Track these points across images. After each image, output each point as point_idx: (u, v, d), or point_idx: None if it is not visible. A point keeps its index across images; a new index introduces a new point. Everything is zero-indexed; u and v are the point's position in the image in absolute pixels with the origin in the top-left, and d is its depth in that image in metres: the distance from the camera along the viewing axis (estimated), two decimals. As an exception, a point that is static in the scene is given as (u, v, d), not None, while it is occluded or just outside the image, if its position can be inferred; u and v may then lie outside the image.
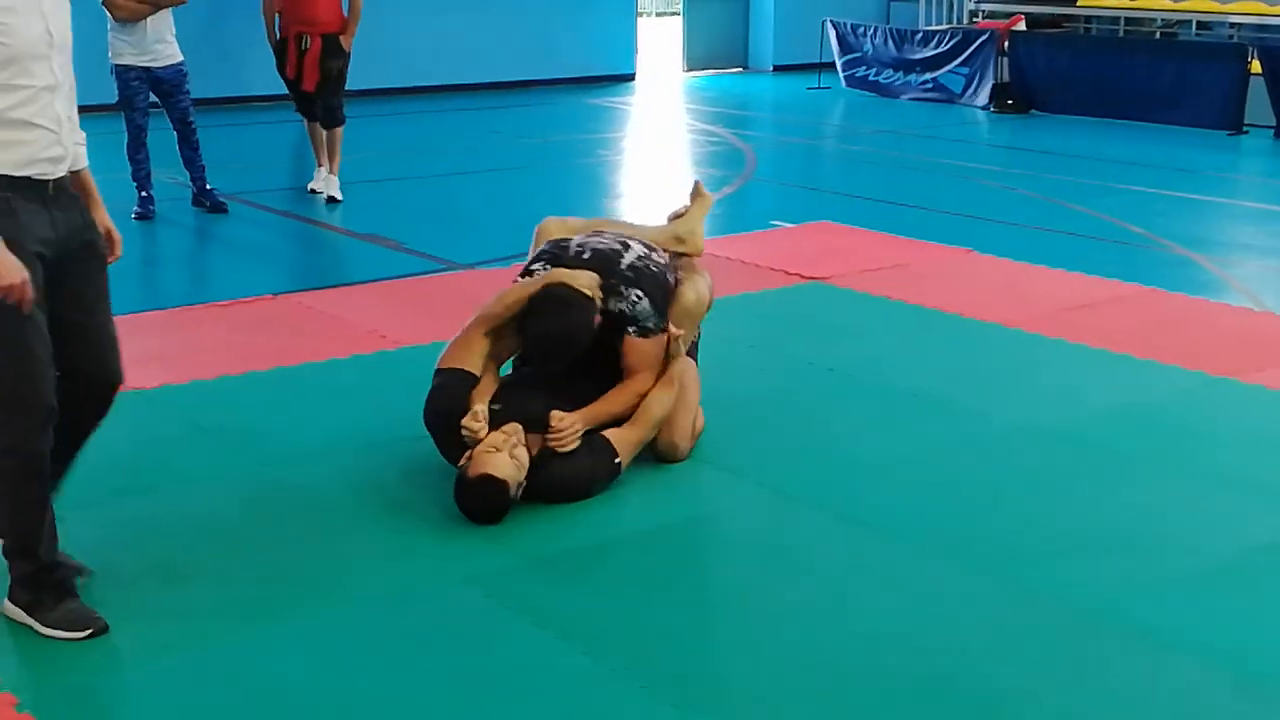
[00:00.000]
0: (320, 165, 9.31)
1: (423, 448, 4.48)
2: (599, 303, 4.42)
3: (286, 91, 9.40)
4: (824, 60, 16.17)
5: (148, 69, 8.47)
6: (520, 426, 4.23)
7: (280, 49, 8.98)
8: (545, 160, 11.23)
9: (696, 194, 5.25)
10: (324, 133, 9.22)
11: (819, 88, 15.96)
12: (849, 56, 15.92)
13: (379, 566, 3.90)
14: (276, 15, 9.04)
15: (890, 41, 15.48)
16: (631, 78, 16.77)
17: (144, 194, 8.58)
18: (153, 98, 8.57)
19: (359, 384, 5.43)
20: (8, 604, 3.52)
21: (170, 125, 8.66)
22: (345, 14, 9.01)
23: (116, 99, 8.54)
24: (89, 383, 3.56)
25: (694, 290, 4.79)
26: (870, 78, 15.65)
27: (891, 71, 15.47)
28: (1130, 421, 5.05)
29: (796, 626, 3.58)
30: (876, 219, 8.63)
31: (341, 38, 8.93)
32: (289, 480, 4.48)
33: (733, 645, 3.54)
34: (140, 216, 8.53)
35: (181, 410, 5.11)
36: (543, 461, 4.24)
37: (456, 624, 3.58)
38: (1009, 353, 5.90)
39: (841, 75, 15.97)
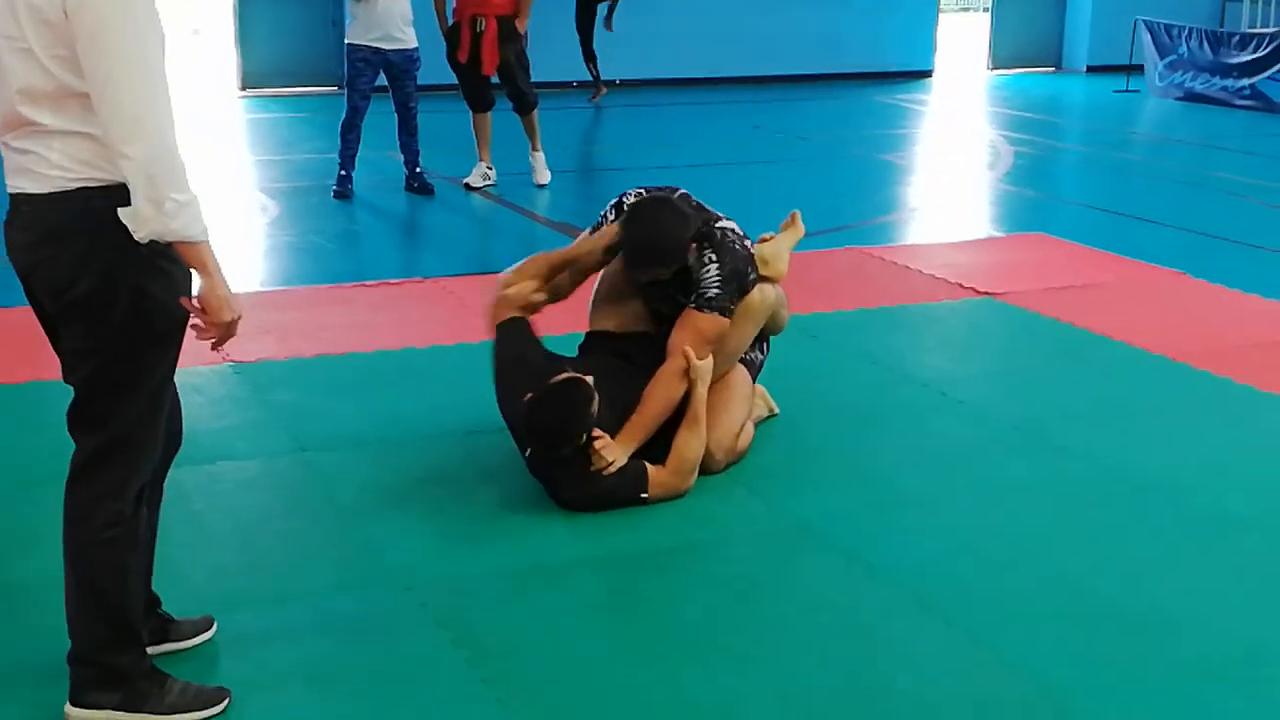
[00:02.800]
0: (481, 159, 9.25)
1: (477, 442, 4.45)
2: (697, 220, 4.27)
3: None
4: (1135, 62, 15.15)
5: (378, 50, 8.66)
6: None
7: (453, 34, 8.91)
8: (794, 159, 10.92)
9: (790, 223, 4.95)
10: (488, 121, 9.13)
11: (1126, 91, 14.96)
12: (1165, 59, 14.84)
13: (345, 561, 3.80)
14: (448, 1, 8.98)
15: (1206, 44, 14.36)
16: (929, 75, 16.18)
17: (343, 172, 8.79)
18: (381, 80, 8.77)
19: (442, 371, 5.36)
20: (81, 712, 2.95)
21: (393, 108, 8.84)
22: None
23: (344, 76, 8.81)
24: (171, 445, 3.14)
25: (761, 293, 4.50)
26: (1183, 82, 14.55)
27: (1208, 76, 14.34)
28: (1246, 475, 4.43)
29: (730, 675, 3.26)
30: (1110, 234, 7.96)
31: (516, 20, 8.87)
32: (318, 464, 4.45)
33: (631, 687, 3.24)
34: (338, 195, 8.75)
35: (253, 387, 5.16)
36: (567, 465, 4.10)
37: (373, 629, 3.43)
38: (1155, 388, 5.30)
39: (1152, 78, 14.92)
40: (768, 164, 10.46)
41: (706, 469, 4.32)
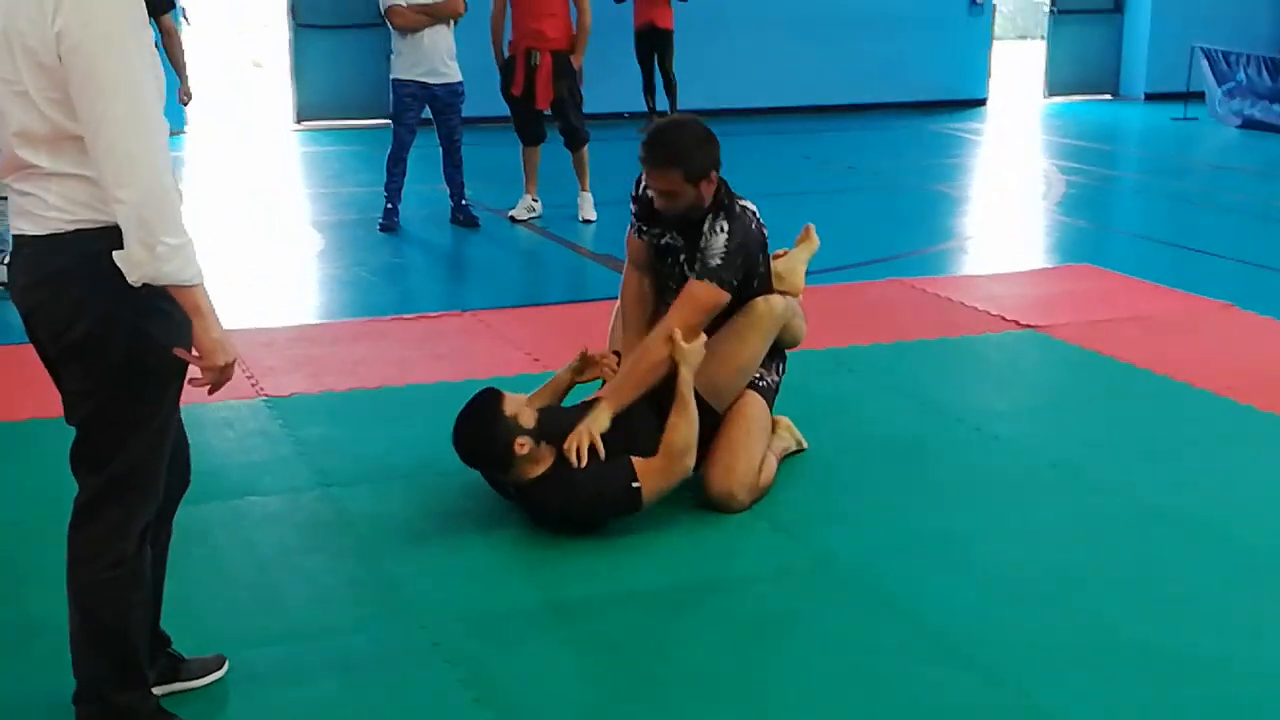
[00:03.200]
0: (528, 192, 9.24)
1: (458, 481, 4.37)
2: (717, 154, 4.29)
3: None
4: (1195, 89, 14.96)
5: (424, 84, 8.72)
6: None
7: (508, 67, 8.92)
8: (840, 189, 10.86)
9: (805, 237, 4.93)
10: (538, 155, 9.13)
11: (1185, 119, 14.77)
12: (1223, 86, 14.65)
13: (360, 598, 3.78)
14: (505, 32, 8.97)
15: (1265, 70, 14.16)
16: (982, 103, 16.06)
17: (389, 206, 8.84)
18: (427, 113, 8.81)
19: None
20: None
21: (437, 141, 8.88)
22: (574, 30, 8.88)
23: (390, 110, 8.87)
24: (177, 485, 3.13)
25: (768, 304, 4.47)
26: (1242, 109, 14.34)
27: (1267, 104, 14.13)
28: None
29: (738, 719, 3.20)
30: (1162, 266, 7.84)
31: (571, 56, 8.86)
32: (342, 500, 4.44)
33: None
34: (384, 228, 8.80)
35: (283, 422, 5.16)
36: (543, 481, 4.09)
37: (383, 667, 3.40)
38: (1197, 424, 5.18)
39: (1212, 105, 14.72)
40: (812, 194, 10.40)
41: (729, 509, 4.27)
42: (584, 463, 4.06)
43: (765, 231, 4.48)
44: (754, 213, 4.42)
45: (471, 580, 3.90)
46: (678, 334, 4.24)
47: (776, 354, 4.63)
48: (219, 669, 3.33)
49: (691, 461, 4.19)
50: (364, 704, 3.24)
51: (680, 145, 4.26)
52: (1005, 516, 4.34)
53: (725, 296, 4.32)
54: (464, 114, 8.98)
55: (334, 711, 3.21)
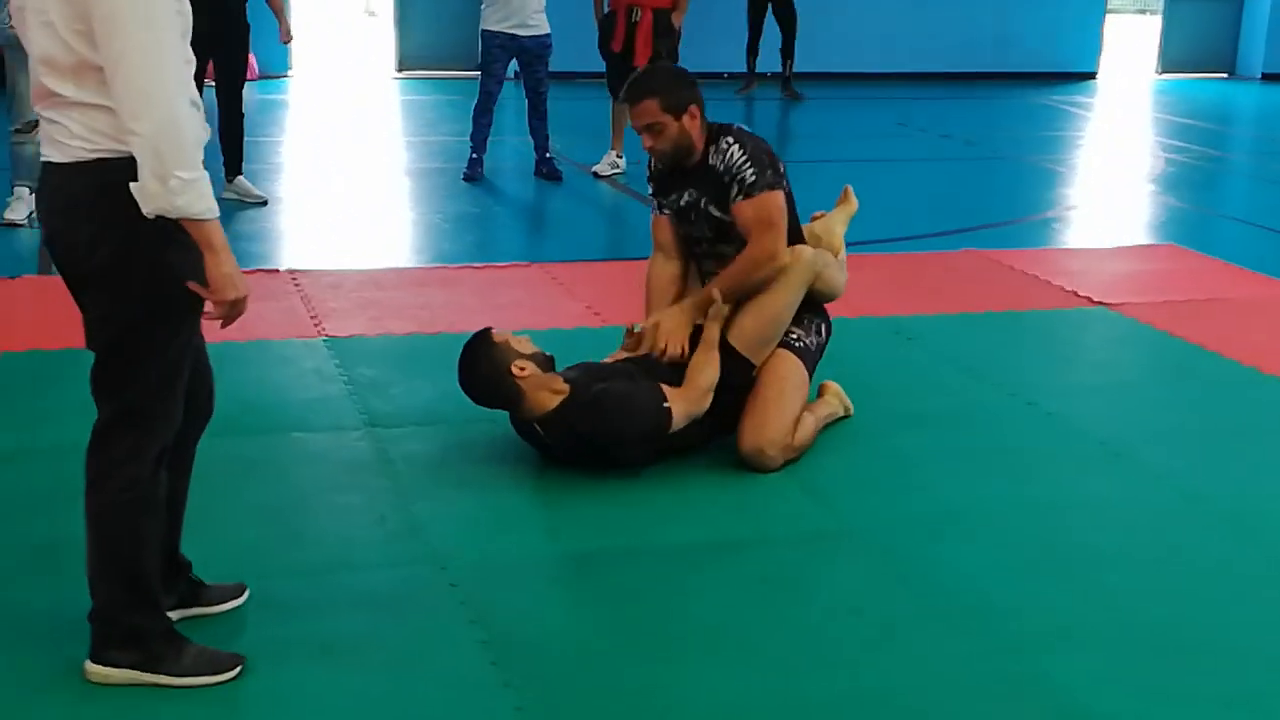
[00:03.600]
0: (613, 148, 9.20)
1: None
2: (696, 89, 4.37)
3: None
4: (1313, 70, 14.54)
5: (513, 36, 8.75)
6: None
7: (608, 22, 8.89)
8: (932, 158, 10.73)
9: (844, 199, 4.93)
10: (628, 111, 9.09)
11: (1301, 100, 14.38)
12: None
13: (387, 537, 3.84)
14: None
15: (1388, 53, 13.70)
16: (1092, 76, 15.74)
17: (474, 156, 8.89)
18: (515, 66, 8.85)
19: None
20: (100, 669, 3.03)
21: (524, 93, 8.91)
22: None
23: (479, 61, 8.92)
24: (198, 415, 3.18)
25: (794, 252, 4.45)
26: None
27: (1389, 88, 13.69)
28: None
29: (740, 676, 3.21)
30: (1256, 250, 7.63)
31: (673, 15, 8.80)
32: (384, 440, 4.50)
33: (638, 682, 3.19)
34: (468, 178, 8.85)
35: (340, 361, 5.24)
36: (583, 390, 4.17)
37: (397, 605, 3.45)
38: (1260, 411, 5.06)
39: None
40: (899, 162, 10.30)
41: (763, 467, 4.27)
42: (675, 350, 4.24)
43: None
44: (757, 140, 4.48)
45: (497, 527, 3.94)
46: (717, 294, 4.26)
47: (816, 313, 4.60)
48: (238, 597, 3.41)
49: (708, 403, 4.22)
50: (373, 639, 3.30)
51: (655, 79, 4.39)
52: (1042, 493, 4.28)
53: (780, 196, 4.37)
54: (553, 68, 8.99)
55: (344, 645, 3.27)
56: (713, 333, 4.28)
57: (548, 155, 9.06)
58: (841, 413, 4.74)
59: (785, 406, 4.33)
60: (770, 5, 13.18)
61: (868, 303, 6.19)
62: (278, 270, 6.45)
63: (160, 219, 2.71)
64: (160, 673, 3.05)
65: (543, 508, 4.08)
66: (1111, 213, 9.01)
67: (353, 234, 7.62)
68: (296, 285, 6.19)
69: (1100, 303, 6.33)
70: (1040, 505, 4.18)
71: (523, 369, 4.13)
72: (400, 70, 14.04)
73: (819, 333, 4.60)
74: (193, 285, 2.81)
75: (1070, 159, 11.18)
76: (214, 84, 7.70)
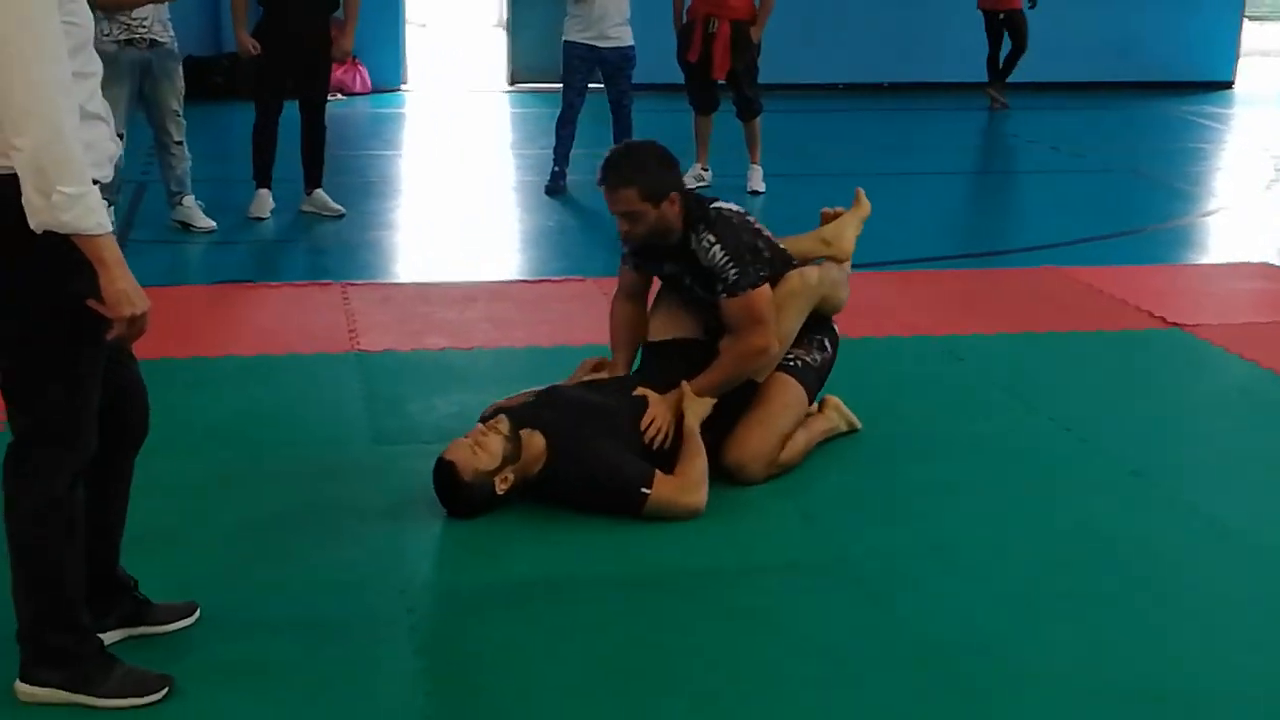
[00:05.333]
0: (698, 160, 9.04)
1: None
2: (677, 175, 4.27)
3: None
4: None
5: (594, 47, 8.68)
6: (505, 419, 4.00)
7: (686, 32, 8.71)
8: (1035, 170, 10.39)
9: (856, 201, 4.80)
10: (710, 124, 8.92)
11: None
12: None
13: (355, 560, 3.78)
14: None
15: None
16: (1228, 86, 15.12)
17: (556, 169, 8.82)
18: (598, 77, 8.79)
19: (557, 371, 5.27)
20: (27, 688, 3.00)
21: (608, 105, 8.84)
22: (757, 3, 8.64)
23: (560, 73, 8.87)
24: (126, 434, 3.15)
25: (802, 277, 4.33)
26: None
27: None
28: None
29: (696, 713, 3.07)
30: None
31: (751, 28, 8.62)
32: (385, 459, 4.45)
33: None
34: (550, 191, 8.78)
35: (365, 377, 5.21)
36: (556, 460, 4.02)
37: (345, 630, 3.38)
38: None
39: None
40: (994, 175, 10.00)
41: (745, 481, 4.17)
42: (665, 440, 4.08)
43: (750, 219, 4.37)
44: (730, 208, 4.31)
45: (474, 552, 3.85)
46: (687, 387, 4.19)
47: (819, 329, 4.47)
48: (189, 616, 3.37)
49: (703, 499, 4.02)
50: (312, 663, 3.23)
51: (635, 165, 4.16)
52: (1053, 525, 4.06)
53: (766, 291, 4.21)
54: (639, 80, 8.90)
55: (280, 668, 3.22)
56: (692, 430, 4.13)
57: (631, 169, 8.94)
58: (844, 428, 4.58)
59: (772, 423, 4.22)
60: (1003, 21, 12.96)
61: (926, 321, 6.00)
62: (329, 283, 6.46)
63: (55, 236, 2.67)
64: (86, 693, 3.02)
65: (526, 533, 3.97)
66: (1216, 229, 8.60)
67: (421, 247, 7.62)
68: (345, 299, 6.19)
69: (1174, 324, 6.02)
70: (1047, 538, 3.97)
71: (505, 480, 3.96)
72: (512, 83, 14.09)
73: (821, 349, 4.45)
74: (91, 303, 2.77)
75: (1188, 172, 10.71)
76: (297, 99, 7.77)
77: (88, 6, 2.86)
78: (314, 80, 7.78)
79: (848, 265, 4.72)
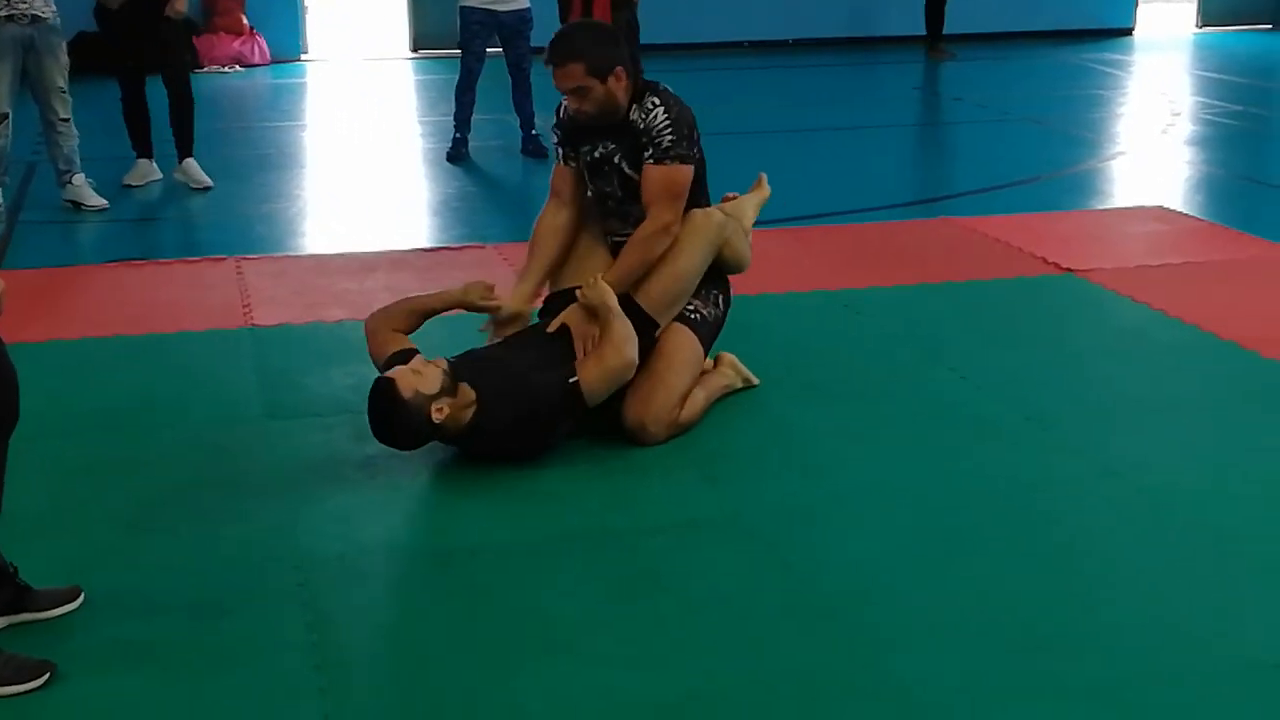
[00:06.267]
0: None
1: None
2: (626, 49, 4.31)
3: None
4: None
5: (491, 11, 8.62)
6: (443, 359, 4.03)
7: (565, -3, 8.76)
8: (937, 122, 10.46)
9: (757, 184, 4.87)
10: None
11: (1344, 50, 13.85)
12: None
13: (251, 536, 3.73)
14: None
15: None
16: (1129, 32, 15.29)
17: (458, 135, 8.77)
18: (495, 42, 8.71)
19: (456, 341, 5.23)
20: None
21: (506, 69, 8.77)
22: None
23: (458, 40, 8.78)
24: None
25: (706, 214, 4.38)
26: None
27: None
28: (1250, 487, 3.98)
29: (572, 678, 3.06)
30: (1266, 214, 7.32)
31: (629, -15, 8.64)
32: (280, 433, 4.39)
33: (462, 686, 3.05)
34: (451, 158, 8.73)
35: (258, 352, 5.14)
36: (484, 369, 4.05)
37: (237, 607, 3.34)
38: (1206, 378, 4.83)
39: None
40: (900, 128, 10.02)
41: (643, 442, 4.16)
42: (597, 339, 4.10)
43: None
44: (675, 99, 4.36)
45: (368, 523, 3.81)
46: (590, 280, 4.17)
47: (716, 284, 4.47)
48: (72, 601, 3.31)
49: (631, 354, 4.07)
50: (199, 642, 3.19)
51: (580, 40, 4.26)
52: (951, 472, 4.08)
53: (689, 170, 4.29)
54: (537, 42, 8.82)
55: (167, 648, 3.16)
56: (607, 302, 4.14)
57: (534, 133, 8.90)
58: (740, 385, 4.59)
59: (673, 382, 4.21)
60: None
61: (822, 276, 6.02)
62: (223, 258, 6.36)
63: None
64: None
65: (422, 502, 3.96)
66: (1116, 174, 8.70)
67: (319, 219, 7.53)
68: (239, 273, 6.10)
69: (1068, 269, 6.08)
70: (940, 487, 3.99)
71: (440, 410, 3.94)
72: (415, 50, 13.95)
73: (717, 304, 4.46)
74: None
75: (1088, 120, 10.80)
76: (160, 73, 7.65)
77: None
78: (164, 50, 7.64)
79: (749, 241, 4.71)
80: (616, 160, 4.36)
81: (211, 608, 3.35)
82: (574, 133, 4.44)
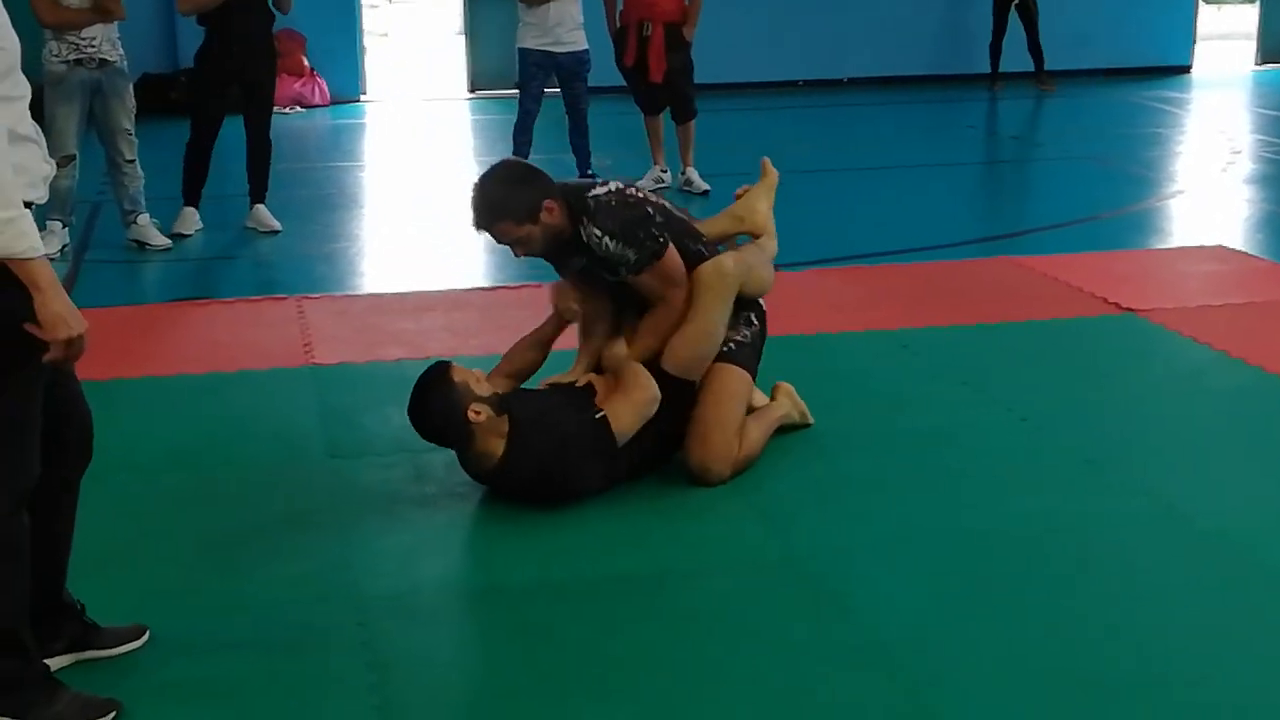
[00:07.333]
0: (655, 163, 9.08)
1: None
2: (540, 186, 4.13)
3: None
4: None
5: (549, 53, 8.69)
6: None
7: (620, 37, 8.79)
8: (992, 160, 10.43)
9: (764, 171, 4.84)
10: (673, 126, 8.98)
11: (1407, 88, 13.71)
12: None
13: (311, 574, 3.76)
14: (618, 2, 8.83)
15: None
16: (1185, 70, 15.19)
17: (513, 174, 8.80)
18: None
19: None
20: None
21: (564, 110, 8.84)
22: (686, 3, 8.70)
23: (516, 80, 8.86)
24: (68, 457, 3.11)
25: (716, 266, 4.30)
26: None
27: None
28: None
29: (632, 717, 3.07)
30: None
31: (683, 28, 8.67)
32: (341, 473, 4.44)
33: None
34: (505, 196, 8.76)
35: (318, 390, 5.19)
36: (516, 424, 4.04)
37: (298, 646, 3.37)
38: (1269, 421, 4.78)
39: None
40: (961, 166, 10.00)
41: (709, 483, 4.18)
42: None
43: (634, 190, 4.31)
44: (610, 190, 4.22)
45: (427, 560, 3.85)
46: (617, 354, 4.28)
47: (746, 309, 4.43)
48: (137, 639, 3.35)
49: (653, 387, 4.11)
50: (260, 681, 3.22)
51: (496, 197, 4.11)
52: (1009, 517, 4.06)
53: (671, 254, 4.21)
54: (594, 83, 8.91)
55: (229, 687, 3.20)
56: (624, 356, 4.26)
57: (590, 172, 8.95)
58: (796, 417, 4.59)
59: (725, 417, 4.22)
60: (1013, 3, 13.23)
61: (879, 316, 6.01)
62: (284, 297, 6.44)
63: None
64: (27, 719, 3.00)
65: (481, 540, 3.99)
66: (1174, 215, 8.64)
67: (378, 259, 7.61)
68: (300, 313, 6.17)
69: (1128, 309, 6.04)
70: (998, 531, 3.97)
71: (478, 413, 3.98)
72: (472, 91, 14.08)
73: (750, 324, 4.43)
74: (29, 327, 2.76)
75: (1145, 158, 10.75)
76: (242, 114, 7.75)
77: (12, 30, 2.85)
78: (258, 90, 7.75)
79: (772, 245, 4.71)
80: (597, 271, 4.29)
81: (273, 646, 3.38)
82: (551, 258, 4.37)
